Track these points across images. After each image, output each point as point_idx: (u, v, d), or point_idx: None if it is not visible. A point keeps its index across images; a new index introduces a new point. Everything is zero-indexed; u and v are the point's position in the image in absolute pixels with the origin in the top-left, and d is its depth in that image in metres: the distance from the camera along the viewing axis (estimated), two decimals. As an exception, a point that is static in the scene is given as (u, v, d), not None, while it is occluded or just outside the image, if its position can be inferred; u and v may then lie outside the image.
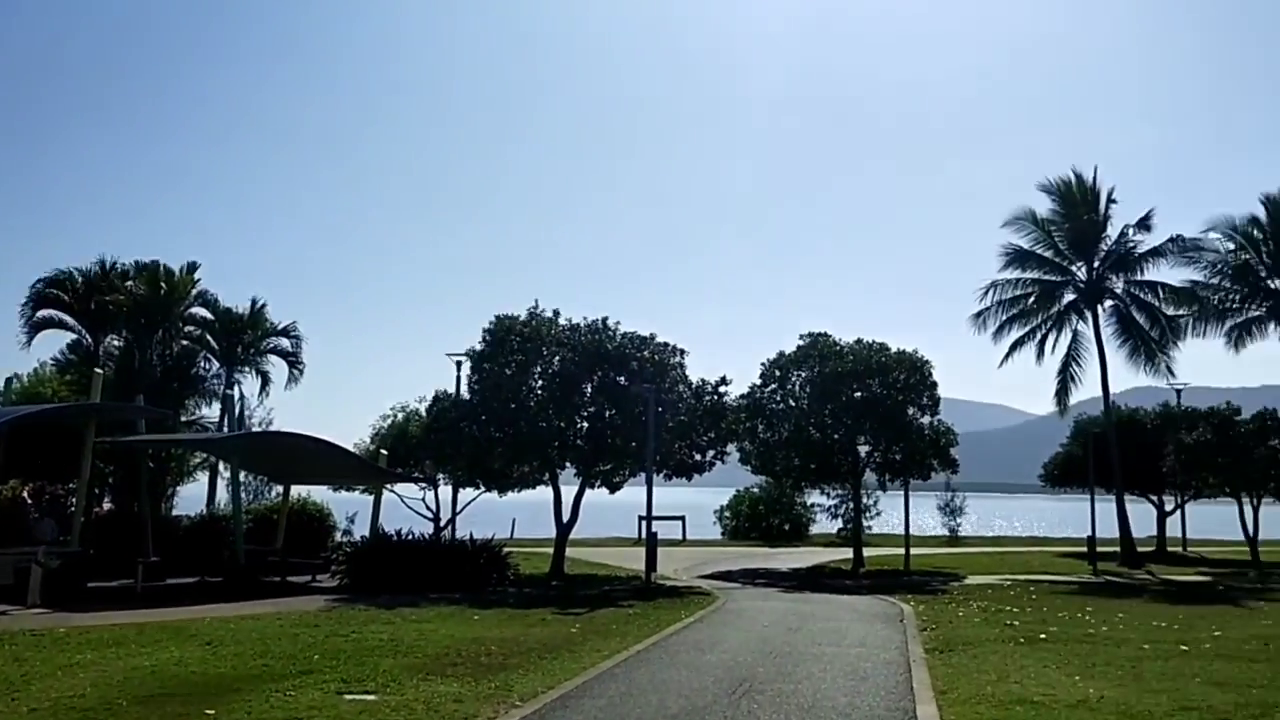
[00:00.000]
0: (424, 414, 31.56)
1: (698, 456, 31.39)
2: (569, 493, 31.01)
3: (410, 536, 27.07)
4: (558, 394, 29.74)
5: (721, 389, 31.61)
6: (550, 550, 30.94)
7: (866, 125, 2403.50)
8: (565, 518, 30.68)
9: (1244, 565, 37.21)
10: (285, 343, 45.72)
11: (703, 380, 31.43)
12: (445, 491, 31.49)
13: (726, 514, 57.41)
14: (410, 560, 25.43)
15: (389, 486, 30.64)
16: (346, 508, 37.04)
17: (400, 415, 33.40)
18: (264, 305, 44.85)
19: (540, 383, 30.32)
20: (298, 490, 32.19)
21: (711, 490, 64.26)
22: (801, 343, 37.14)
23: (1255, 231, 45.39)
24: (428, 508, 30.72)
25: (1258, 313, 45.53)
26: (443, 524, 30.48)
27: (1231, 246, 45.62)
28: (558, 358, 30.19)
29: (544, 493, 31.89)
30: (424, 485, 31.38)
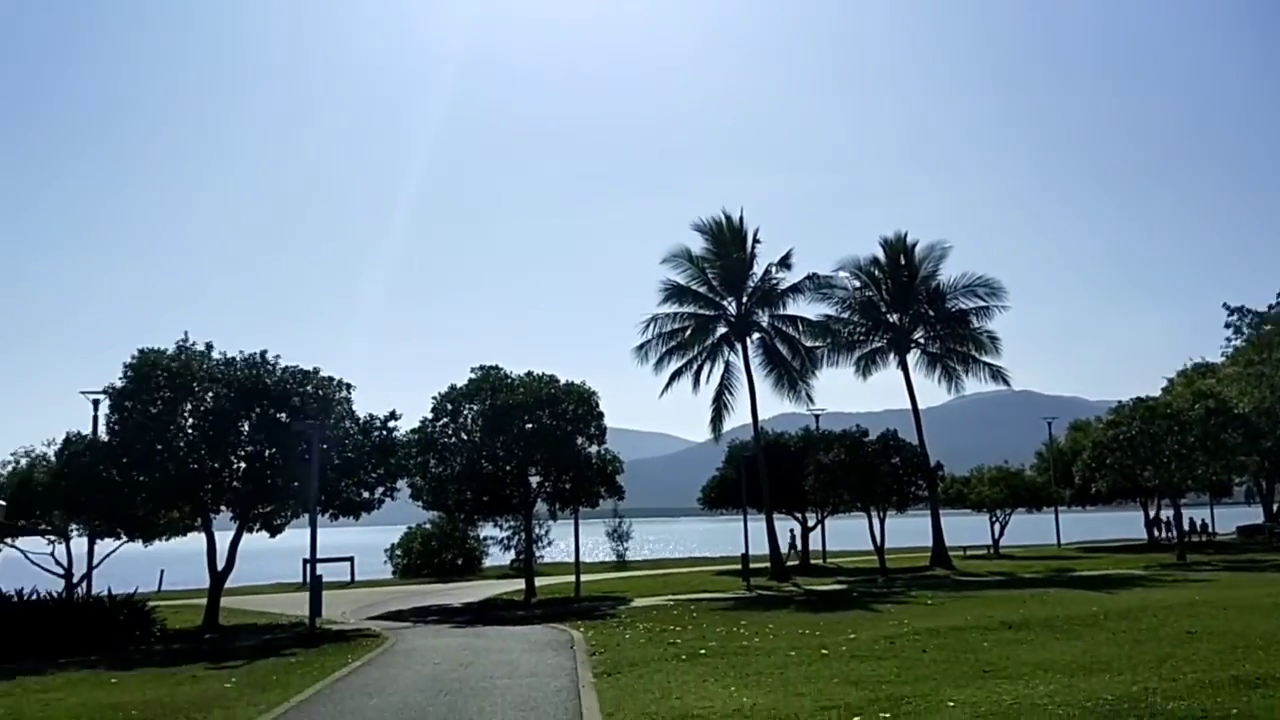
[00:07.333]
0: (53, 459, 28.33)
1: (365, 494, 30.30)
2: (226, 538, 29.00)
3: (35, 596, 24.21)
4: (211, 433, 27.82)
5: (391, 424, 30.90)
6: (204, 601, 28.78)
7: (529, 168, 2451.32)
8: (220, 564, 28.63)
9: (873, 572, 41.20)
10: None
11: (371, 415, 30.59)
12: (80, 544, 28.57)
13: (398, 552, 55.90)
14: (33, 623, 22.73)
15: (8, 541, 27.27)
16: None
17: (24, 461, 29.74)
18: None
19: (191, 421, 28.27)
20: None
21: (381, 529, 62.46)
22: (473, 375, 37.08)
23: (876, 271, 51.06)
24: (58, 563, 27.66)
25: (879, 344, 51.06)
26: (76, 580, 27.56)
27: (858, 284, 51.08)
28: (210, 394, 28.27)
29: (197, 539, 29.77)
30: (52, 539, 28.18)
